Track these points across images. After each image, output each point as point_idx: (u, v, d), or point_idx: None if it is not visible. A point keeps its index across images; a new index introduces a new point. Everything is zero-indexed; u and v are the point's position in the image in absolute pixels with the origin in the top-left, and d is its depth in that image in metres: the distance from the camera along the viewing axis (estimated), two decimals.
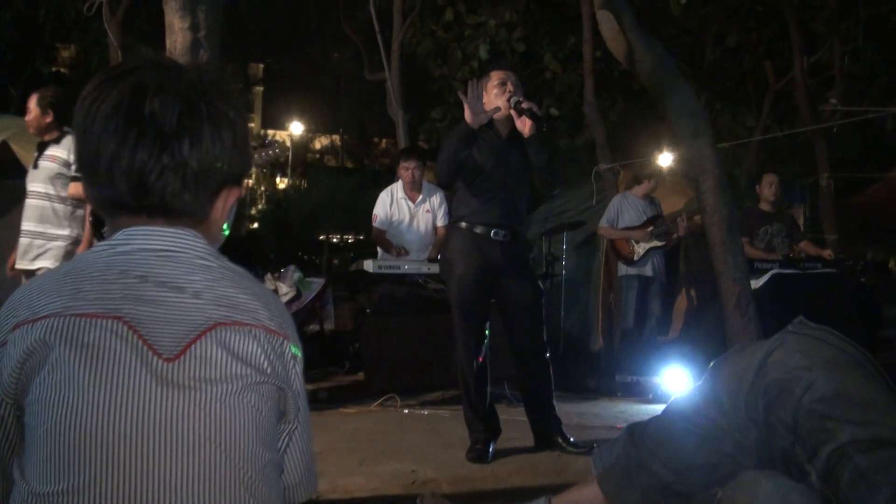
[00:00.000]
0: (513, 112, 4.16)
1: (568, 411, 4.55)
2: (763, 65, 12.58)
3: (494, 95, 4.24)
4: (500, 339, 4.53)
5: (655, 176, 7.64)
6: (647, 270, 7.40)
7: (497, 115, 4.23)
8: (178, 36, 3.54)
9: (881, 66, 12.29)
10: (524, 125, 4.14)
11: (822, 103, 10.67)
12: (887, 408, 1.61)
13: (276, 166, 32.75)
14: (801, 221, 9.99)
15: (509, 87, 4.22)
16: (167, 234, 1.22)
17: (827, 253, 7.25)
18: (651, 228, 7.35)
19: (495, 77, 4.28)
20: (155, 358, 1.11)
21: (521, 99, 4.15)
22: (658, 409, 2.05)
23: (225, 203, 1.30)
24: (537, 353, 4.34)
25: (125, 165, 1.17)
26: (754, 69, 13.16)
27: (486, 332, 4.36)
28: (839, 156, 12.56)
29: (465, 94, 4.08)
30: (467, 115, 4.05)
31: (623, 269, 7.52)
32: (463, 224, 4.28)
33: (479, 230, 4.23)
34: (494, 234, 4.21)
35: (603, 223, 7.63)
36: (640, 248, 7.36)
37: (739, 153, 13.14)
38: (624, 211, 7.54)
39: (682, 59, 12.06)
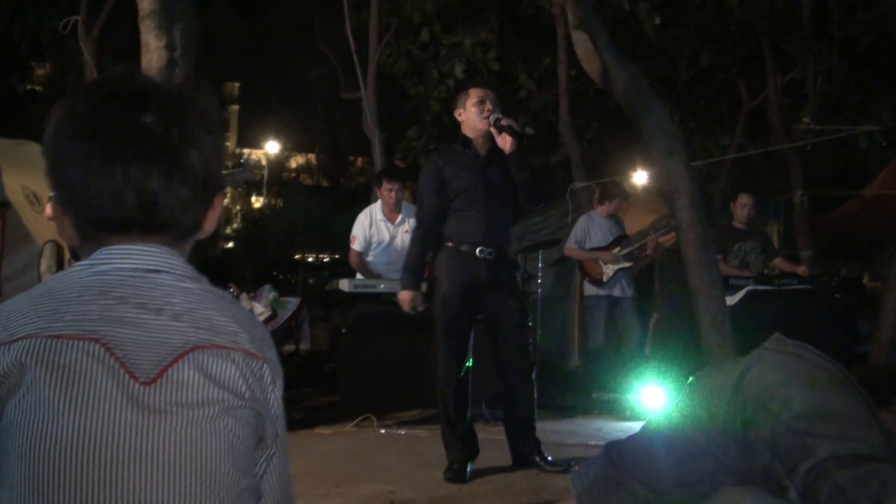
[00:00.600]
0: (493, 130, 4.19)
1: (545, 429, 4.54)
2: (736, 84, 12.70)
3: (473, 114, 4.27)
4: (479, 358, 4.52)
5: (619, 195, 7.65)
6: (616, 291, 7.39)
7: (475, 133, 4.27)
8: (153, 55, 3.53)
9: (854, 86, 12.44)
10: (504, 142, 4.16)
11: (795, 122, 10.77)
12: (865, 423, 1.61)
13: (252, 185, 32.68)
14: (775, 238, 10.04)
15: (488, 105, 4.26)
16: (148, 252, 1.19)
17: (801, 269, 7.31)
18: (618, 249, 7.35)
19: (474, 95, 4.32)
20: (131, 381, 1.09)
21: (500, 116, 4.18)
22: (635, 426, 2.04)
23: (215, 211, 1.28)
24: (522, 372, 4.35)
25: (134, 182, 1.15)
26: (728, 89, 13.27)
27: (469, 350, 4.36)
28: (813, 173, 12.68)
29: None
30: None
31: (591, 290, 7.49)
32: (449, 243, 4.29)
33: (464, 248, 4.25)
34: (479, 251, 4.22)
35: (571, 244, 7.58)
36: (609, 270, 7.35)
37: (714, 171, 13.24)
38: (591, 231, 7.53)
39: (657, 79, 12.14)
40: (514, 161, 4.19)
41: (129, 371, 1.09)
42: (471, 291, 4.23)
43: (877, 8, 10.93)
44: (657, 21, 10.88)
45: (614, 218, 7.61)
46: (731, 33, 12.09)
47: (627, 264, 7.36)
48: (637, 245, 7.35)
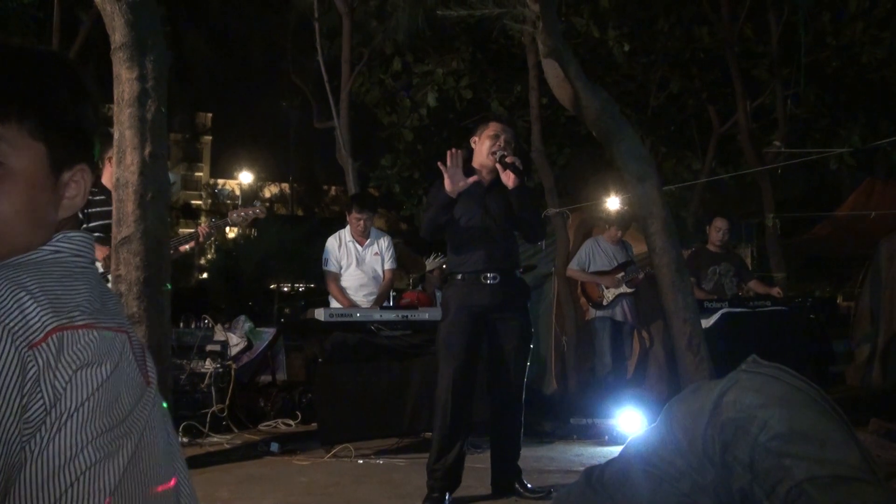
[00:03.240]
0: (498, 166, 4.28)
1: (524, 456, 4.52)
2: (706, 109, 12.82)
3: (485, 146, 4.42)
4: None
5: (616, 223, 7.72)
6: (617, 314, 7.47)
7: (480, 165, 4.36)
8: (125, 86, 3.53)
9: (823, 110, 12.61)
10: (508, 178, 4.27)
11: (765, 146, 10.89)
12: (843, 444, 1.61)
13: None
14: (749, 261, 10.13)
15: (501, 141, 4.37)
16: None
17: (776, 291, 7.36)
18: (622, 275, 7.43)
19: (492, 129, 4.46)
20: None
21: (505, 153, 4.30)
22: (614, 451, 2.04)
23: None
24: (516, 397, 4.38)
25: None
26: (698, 114, 13.39)
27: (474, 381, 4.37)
28: (784, 196, 12.81)
29: (444, 162, 4.20)
30: (447, 184, 4.19)
31: (594, 312, 7.58)
32: (458, 276, 4.37)
33: (469, 277, 4.32)
34: (483, 277, 4.30)
35: (573, 266, 7.71)
36: (610, 294, 7.45)
37: (686, 195, 13.33)
38: (596, 256, 7.62)
39: (627, 105, 12.26)
40: (515, 198, 4.30)
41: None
42: (475, 317, 4.29)
43: (844, 33, 11.12)
44: (626, 48, 10.99)
45: (622, 243, 7.70)
46: (700, 60, 12.23)
47: (629, 290, 7.44)
48: (636, 271, 7.43)
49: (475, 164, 4.47)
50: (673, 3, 11.52)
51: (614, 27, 10.95)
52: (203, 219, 36.21)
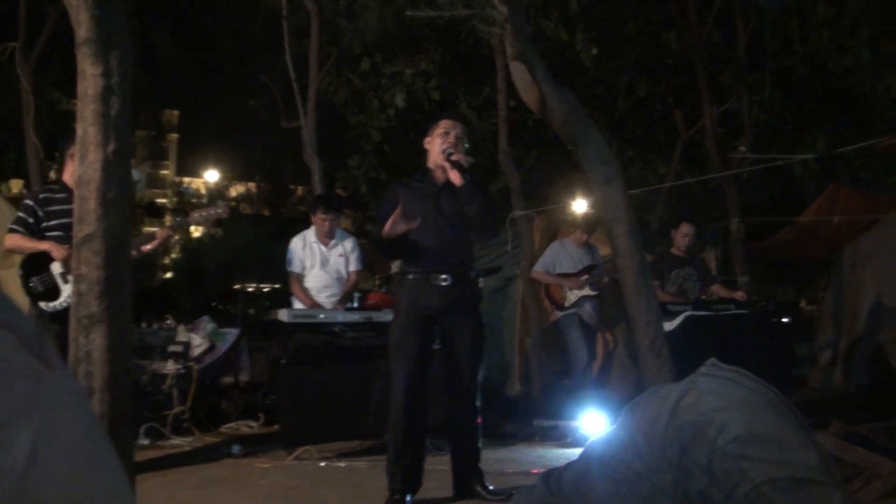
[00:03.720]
0: (445, 163, 4.24)
1: (486, 458, 4.52)
2: (673, 114, 12.90)
3: (436, 144, 4.42)
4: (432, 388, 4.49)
5: (581, 226, 7.75)
6: (584, 315, 7.50)
7: (434, 164, 4.35)
8: (89, 82, 3.46)
9: (788, 116, 12.74)
10: (454, 176, 4.26)
11: (731, 151, 10.97)
12: (801, 446, 1.62)
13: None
14: (713, 265, 10.19)
15: (451, 137, 4.35)
16: None
17: (739, 294, 7.42)
18: (586, 277, 7.46)
19: (441, 126, 4.45)
20: None
21: (452, 151, 4.27)
22: (576, 452, 2.04)
23: None
24: (471, 399, 4.37)
25: None
26: (665, 118, 13.47)
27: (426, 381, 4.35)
28: (749, 201, 12.91)
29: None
30: (386, 226, 4.20)
31: (560, 313, 7.61)
32: (409, 275, 4.33)
33: (421, 277, 4.29)
34: (434, 278, 4.27)
35: (538, 268, 7.74)
36: (573, 296, 7.47)
37: (651, 199, 13.39)
38: (561, 259, 7.65)
39: (595, 109, 12.30)
40: (462, 195, 4.27)
41: None
42: (426, 319, 4.27)
43: (811, 41, 11.25)
44: (594, 52, 11.03)
45: (588, 246, 7.73)
46: (667, 65, 12.31)
47: (593, 293, 7.47)
48: (601, 275, 7.47)
49: (430, 164, 4.47)
50: (641, 8, 11.58)
51: (582, 31, 10.98)
52: (168, 217, 35.91)
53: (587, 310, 7.53)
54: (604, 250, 7.92)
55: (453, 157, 4.27)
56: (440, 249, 4.31)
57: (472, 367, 4.36)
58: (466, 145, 4.48)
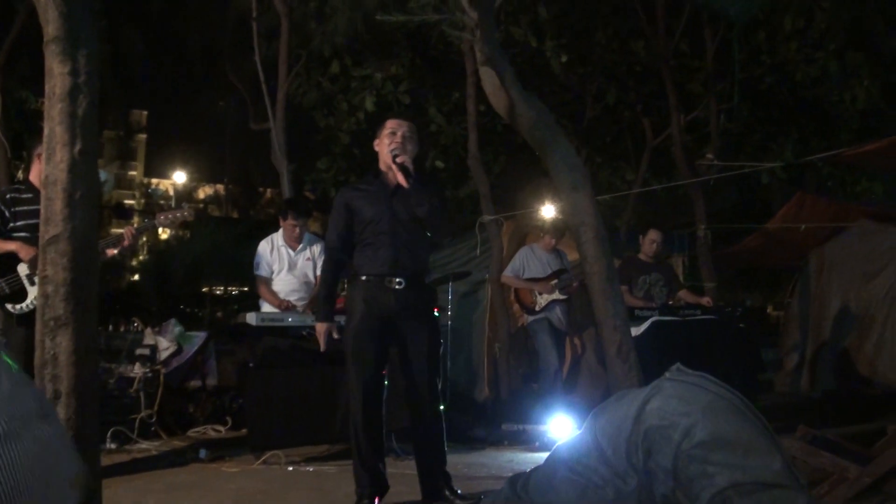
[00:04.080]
0: (393, 165, 4.21)
1: (455, 462, 4.53)
2: (641, 121, 13.00)
3: (385, 145, 4.35)
4: (390, 391, 4.47)
5: (550, 231, 7.78)
6: (554, 319, 7.53)
7: (385, 166, 4.32)
8: (57, 80, 3.44)
9: (756, 124, 12.88)
10: (400, 178, 4.21)
11: (698, 158, 11.08)
12: (766, 451, 1.65)
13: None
14: (680, 270, 10.28)
15: (398, 137, 4.30)
16: None
17: (706, 300, 7.47)
18: (555, 282, 7.49)
19: (388, 126, 4.39)
20: None
21: (398, 153, 4.24)
22: (544, 457, 2.05)
23: None
24: (431, 403, 4.31)
25: None
26: (633, 125, 13.57)
27: (385, 384, 4.33)
28: (716, 208, 13.02)
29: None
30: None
31: (530, 318, 7.63)
32: (359, 276, 4.28)
33: (374, 280, 4.24)
34: (388, 281, 4.22)
35: (507, 273, 7.76)
36: (543, 300, 7.50)
37: (619, 205, 13.48)
38: (530, 263, 7.67)
39: (563, 115, 12.36)
40: (411, 197, 4.22)
41: None
42: (381, 323, 4.22)
43: (779, 52, 11.39)
44: (564, 59, 11.10)
45: (557, 251, 7.76)
46: (636, 73, 12.40)
47: (562, 297, 7.50)
48: (570, 279, 7.50)
49: (381, 165, 4.41)
50: (610, 16, 11.67)
51: (552, 38, 11.05)
52: (136, 218, 35.61)
53: (557, 314, 7.57)
54: (572, 255, 7.96)
55: (398, 160, 4.21)
56: (395, 252, 4.25)
57: (431, 372, 4.30)
58: (409, 148, 4.42)
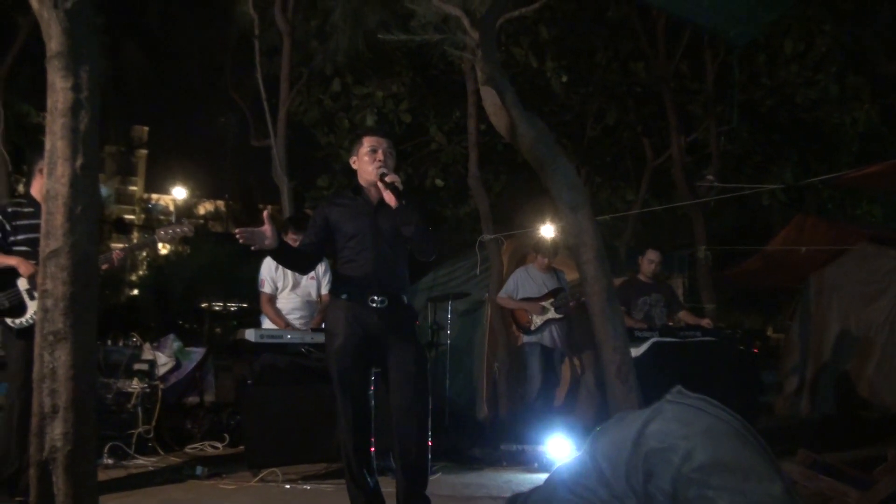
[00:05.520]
0: (379, 184, 4.15)
1: (453, 482, 4.50)
2: (641, 142, 13.04)
3: (365, 162, 4.27)
4: (384, 411, 4.43)
5: (544, 251, 7.77)
6: (546, 340, 7.50)
7: (367, 182, 4.27)
8: (59, 95, 3.45)
9: (756, 147, 12.92)
10: (389, 198, 4.12)
11: (698, 179, 11.10)
12: (766, 474, 1.64)
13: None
14: (680, 292, 10.27)
15: (379, 154, 4.24)
16: None
17: (706, 322, 7.46)
18: (551, 301, 7.48)
19: (367, 143, 4.31)
20: None
21: (385, 172, 4.15)
22: (543, 477, 2.04)
23: None
24: (416, 423, 4.15)
25: None
26: (633, 146, 13.60)
27: (372, 403, 4.27)
28: (716, 229, 13.05)
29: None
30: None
31: (524, 338, 7.61)
32: (342, 295, 4.20)
33: (355, 299, 4.15)
34: (371, 301, 4.14)
35: (502, 294, 7.74)
36: (538, 319, 7.48)
37: (619, 226, 13.51)
38: (524, 284, 7.65)
39: (564, 136, 12.41)
40: (398, 216, 4.13)
41: None
42: (364, 341, 4.13)
43: (779, 74, 11.43)
44: (564, 79, 11.15)
45: (553, 270, 7.74)
46: (636, 94, 12.45)
47: (557, 316, 7.48)
48: (566, 298, 7.48)
49: (361, 181, 4.33)
50: (611, 37, 11.73)
51: (553, 58, 11.10)
52: (136, 233, 35.62)
53: (552, 334, 7.53)
54: (571, 275, 7.96)
55: (387, 179, 4.11)
56: (376, 270, 4.17)
57: (420, 391, 4.17)
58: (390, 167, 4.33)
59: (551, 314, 7.49)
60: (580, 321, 7.61)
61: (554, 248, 7.80)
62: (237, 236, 4.02)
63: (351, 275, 4.21)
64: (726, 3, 5.64)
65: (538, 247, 7.92)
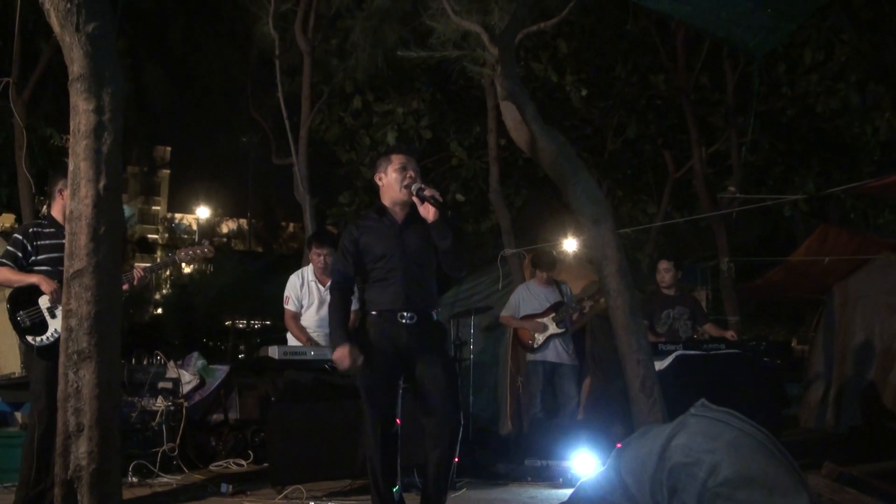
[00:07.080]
0: (415, 199, 4.16)
1: (477, 498, 4.48)
2: (662, 154, 13.00)
3: (394, 180, 4.28)
4: (410, 426, 4.43)
5: (541, 265, 7.73)
6: (550, 356, 7.43)
7: (392, 201, 4.27)
8: (82, 118, 3.49)
9: (777, 157, 12.85)
10: (427, 212, 4.13)
11: (720, 191, 11.06)
12: (792, 488, 1.63)
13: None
14: (704, 304, 10.21)
15: (409, 172, 4.25)
16: None
17: (730, 334, 7.39)
18: (553, 315, 7.43)
19: (396, 161, 4.31)
20: None
21: (422, 186, 4.17)
22: (567, 493, 2.03)
23: None
24: (451, 434, 4.14)
25: None
26: (654, 159, 13.57)
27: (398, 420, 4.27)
28: (739, 241, 12.97)
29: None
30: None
31: (528, 356, 7.58)
32: (373, 312, 4.23)
33: (385, 316, 4.18)
34: (400, 317, 4.16)
35: (504, 312, 7.72)
36: (540, 337, 7.43)
37: (641, 238, 13.47)
38: (526, 300, 7.61)
39: (584, 149, 12.39)
40: (436, 230, 4.16)
41: None
42: (393, 358, 4.16)
43: (799, 84, 11.39)
44: (584, 93, 11.16)
45: (556, 284, 7.69)
46: (656, 106, 12.43)
47: (559, 330, 7.42)
48: (568, 311, 7.43)
49: (385, 201, 4.34)
50: (630, 50, 11.73)
51: (572, 73, 11.11)
52: (159, 253, 35.83)
53: (557, 349, 7.47)
54: (575, 284, 7.92)
55: (426, 193, 4.13)
56: (406, 287, 4.19)
57: (453, 402, 4.19)
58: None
59: (552, 329, 7.43)
60: (603, 334, 7.57)
61: (552, 260, 7.76)
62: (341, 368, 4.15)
63: (380, 293, 4.23)
64: (745, 15, 5.62)
65: (536, 261, 7.88)
